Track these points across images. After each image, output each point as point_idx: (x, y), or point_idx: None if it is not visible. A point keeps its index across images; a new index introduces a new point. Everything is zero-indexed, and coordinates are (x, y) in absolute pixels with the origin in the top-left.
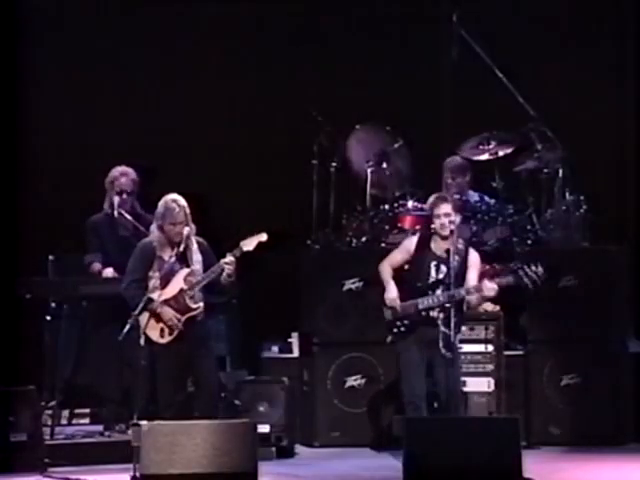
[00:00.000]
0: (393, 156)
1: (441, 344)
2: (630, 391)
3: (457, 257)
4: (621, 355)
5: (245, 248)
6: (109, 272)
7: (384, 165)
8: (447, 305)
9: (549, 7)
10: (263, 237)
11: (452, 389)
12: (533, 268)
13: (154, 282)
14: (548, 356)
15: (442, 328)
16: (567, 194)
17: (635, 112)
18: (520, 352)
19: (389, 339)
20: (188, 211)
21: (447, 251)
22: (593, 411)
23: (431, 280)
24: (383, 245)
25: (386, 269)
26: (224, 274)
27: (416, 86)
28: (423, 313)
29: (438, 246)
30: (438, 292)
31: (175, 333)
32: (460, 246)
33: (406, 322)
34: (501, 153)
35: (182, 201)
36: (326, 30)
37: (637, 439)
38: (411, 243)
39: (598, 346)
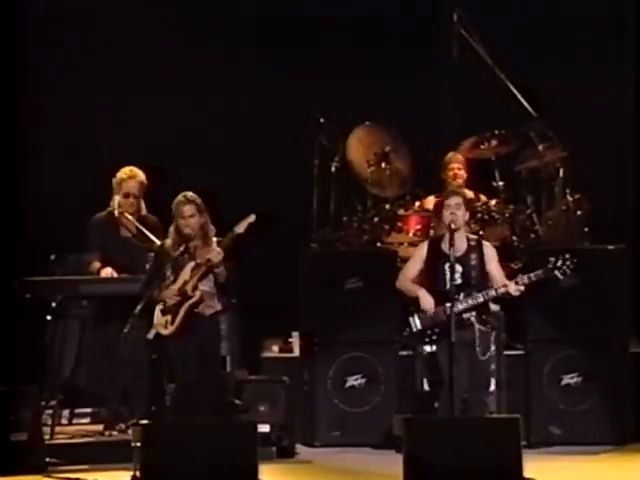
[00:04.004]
0: (393, 156)
1: (477, 342)
2: (630, 391)
3: (473, 255)
4: (621, 355)
5: (237, 231)
6: (108, 272)
7: (384, 165)
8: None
9: (549, 6)
10: (251, 218)
11: (476, 386)
12: (561, 258)
13: (169, 280)
14: (548, 356)
15: (478, 326)
16: (567, 194)
17: (635, 112)
18: (520, 352)
19: (425, 351)
20: (199, 203)
21: (453, 244)
22: (593, 411)
23: (449, 283)
24: (383, 245)
25: (406, 283)
26: (215, 270)
27: (416, 86)
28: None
29: (448, 246)
30: (470, 295)
31: (177, 323)
32: (473, 243)
33: (437, 330)
34: (501, 152)
35: (191, 195)
36: (326, 30)
37: (637, 439)
38: (423, 249)
39: (598, 346)
